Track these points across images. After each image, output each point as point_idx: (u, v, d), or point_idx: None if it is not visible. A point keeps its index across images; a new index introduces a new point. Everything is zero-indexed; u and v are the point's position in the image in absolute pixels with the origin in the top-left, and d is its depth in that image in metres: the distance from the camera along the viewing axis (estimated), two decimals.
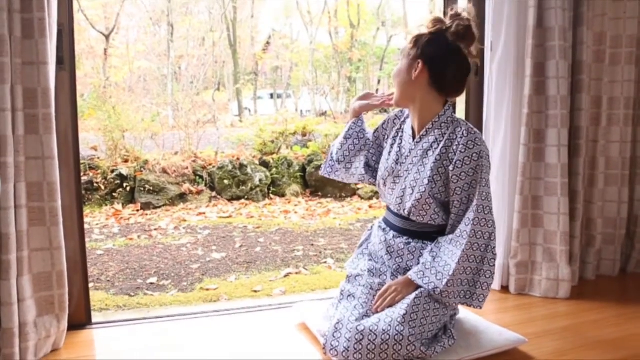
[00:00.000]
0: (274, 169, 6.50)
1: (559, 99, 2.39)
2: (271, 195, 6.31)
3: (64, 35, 1.98)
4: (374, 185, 2.12)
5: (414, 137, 1.95)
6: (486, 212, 1.82)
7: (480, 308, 1.86)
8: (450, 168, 1.84)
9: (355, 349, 1.72)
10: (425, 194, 1.86)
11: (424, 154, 1.90)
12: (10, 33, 1.73)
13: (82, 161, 2.38)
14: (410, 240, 1.95)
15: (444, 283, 1.80)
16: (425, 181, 1.87)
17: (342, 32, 14.17)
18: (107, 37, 9.39)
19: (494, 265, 1.85)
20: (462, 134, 1.85)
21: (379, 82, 14.99)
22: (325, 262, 3.88)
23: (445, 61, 1.85)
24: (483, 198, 1.82)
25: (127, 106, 7.26)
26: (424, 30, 1.88)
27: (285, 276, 3.57)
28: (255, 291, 3.30)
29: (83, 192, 3.87)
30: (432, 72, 1.85)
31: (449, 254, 1.83)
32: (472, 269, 1.83)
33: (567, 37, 2.40)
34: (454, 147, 1.85)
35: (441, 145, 1.87)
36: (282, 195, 6.33)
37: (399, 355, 1.72)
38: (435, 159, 1.87)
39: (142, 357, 1.92)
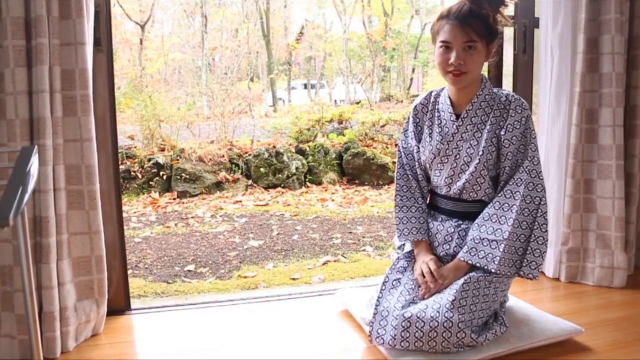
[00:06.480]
0: (311, 157, 6.44)
1: (614, 77, 2.26)
2: (308, 184, 6.25)
3: (101, 16, 1.94)
4: None
5: (457, 115, 1.87)
6: (540, 177, 1.80)
7: (534, 278, 1.77)
8: (502, 133, 1.81)
9: (403, 337, 1.64)
10: (480, 165, 1.81)
11: (474, 128, 1.84)
12: (48, 13, 1.70)
13: (119, 150, 2.36)
14: (461, 222, 1.88)
15: (501, 250, 1.74)
16: (480, 152, 1.81)
17: (376, 21, 14.01)
18: (142, 27, 9.47)
19: (547, 231, 1.79)
20: (509, 99, 1.84)
21: (413, 70, 14.80)
22: (364, 250, 3.81)
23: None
24: (536, 163, 1.80)
25: (162, 97, 7.30)
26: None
27: (324, 264, 3.51)
28: (294, 279, 3.25)
29: (121, 180, 3.88)
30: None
31: (497, 220, 1.78)
32: (525, 236, 1.78)
33: (624, 10, 2.26)
34: (504, 114, 1.82)
35: (491, 116, 1.83)
36: (319, 184, 6.26)
37: (448, 343, 1.64)
38: (488, 130, 1.82)
39: (182, 343, 1.89)
